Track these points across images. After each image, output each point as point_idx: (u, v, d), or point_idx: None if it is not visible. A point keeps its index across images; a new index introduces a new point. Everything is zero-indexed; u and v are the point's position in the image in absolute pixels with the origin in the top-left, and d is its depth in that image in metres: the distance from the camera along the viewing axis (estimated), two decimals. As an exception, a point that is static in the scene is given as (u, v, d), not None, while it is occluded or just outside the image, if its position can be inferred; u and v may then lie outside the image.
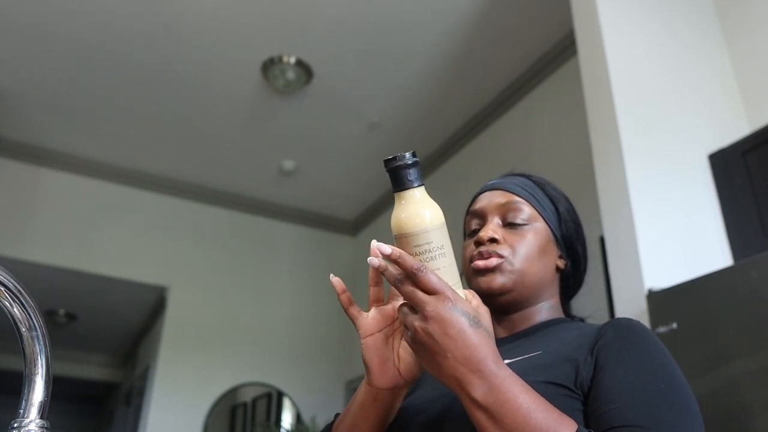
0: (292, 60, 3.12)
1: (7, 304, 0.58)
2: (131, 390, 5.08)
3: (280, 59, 3.12)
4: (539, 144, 3.10)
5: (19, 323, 0.58)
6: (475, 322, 0.58)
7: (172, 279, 4.09)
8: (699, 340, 1.44)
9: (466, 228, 0.91)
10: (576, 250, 0.90)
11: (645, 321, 1.59)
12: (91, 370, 6.38)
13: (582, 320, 0.91)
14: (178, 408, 3.83)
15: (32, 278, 3.77)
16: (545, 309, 0.87)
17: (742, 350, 1.36)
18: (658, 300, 1.56)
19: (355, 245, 4.84)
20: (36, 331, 0.58)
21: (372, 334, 0.73)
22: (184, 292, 4.09)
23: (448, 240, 0.63)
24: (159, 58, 3.14)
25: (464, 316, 0.58)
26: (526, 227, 0.85)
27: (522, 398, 0.57)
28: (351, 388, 4.20)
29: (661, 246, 1.71)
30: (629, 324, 0.73)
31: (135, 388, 4.83)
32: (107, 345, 5.93)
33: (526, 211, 0.86)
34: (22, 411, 0.56)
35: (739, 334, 1.37)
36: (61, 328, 5.01)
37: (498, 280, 0.81)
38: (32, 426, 0.55)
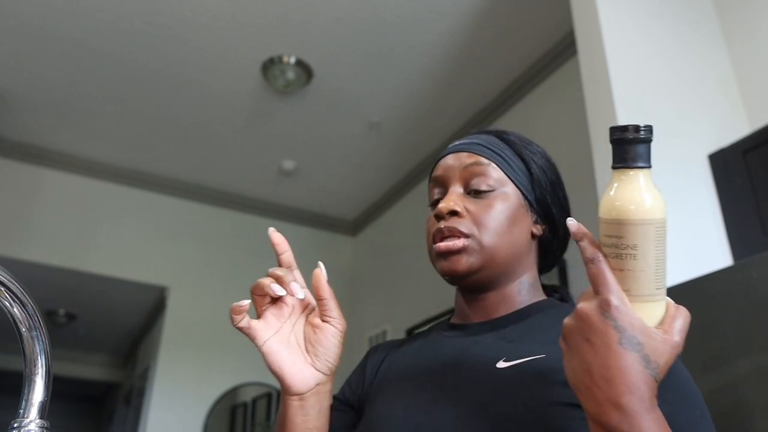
0: (292, 60, 3.12)
1: (7, 304, 0.58)
2: (131, 390, 5.08)
3: (280, 59, 3.12)
4: (539, 143, 3.09)
5: (19, 323, 0.58)
6: (632, 343, 0.47)
7: (172, 279, 4.09)
8: (699, 340, 1.44)
9: (429, 198, 0.81)
10: (552, 214, 0.79)
11: (645, 321, 1.58)
12: (91, 370, 6.38)
13: (563, 298, 0.82)
14: (178, 408, 3.83)
15: (32, 278, 3.77)
16: (524, 287, 0.76)
17: (742, 350, 1.36)
18: (658, 300, 1.55)
19: (355, 245, 4.84)
20: (36, 331, 0.58)
21: (268, 338, 0.69)
22: (184, 292, 4.09)
23: (654, 245, 0.51)
24: (159, 58, 3.14)
25: (618, 330, 0.48)
26: (493, 194, 0.75)
27: None
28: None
29: (661, 246, 1.71)
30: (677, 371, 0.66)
31: (135, 388, 4.83)
32: (107, 345, 5.93)
33: (492, 175, 0.76)
34: (22, 411, 0.56)
35: (739, 334, 1.37)
36: (61, 328, 5.01)
37: (463, 263, 0.72)
38: (32, 426, 0.55)
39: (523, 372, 0.64)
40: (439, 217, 0.74)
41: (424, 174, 3.96)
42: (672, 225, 1.91)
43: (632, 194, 0.51)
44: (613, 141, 0.52)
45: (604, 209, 0.53)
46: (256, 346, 0.68)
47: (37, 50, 3.09)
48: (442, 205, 0.74)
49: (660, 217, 0.51)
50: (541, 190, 0.78)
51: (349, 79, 3.29)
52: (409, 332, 3.59)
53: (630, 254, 0.50)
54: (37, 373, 0.57)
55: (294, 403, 0.68)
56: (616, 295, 0.49)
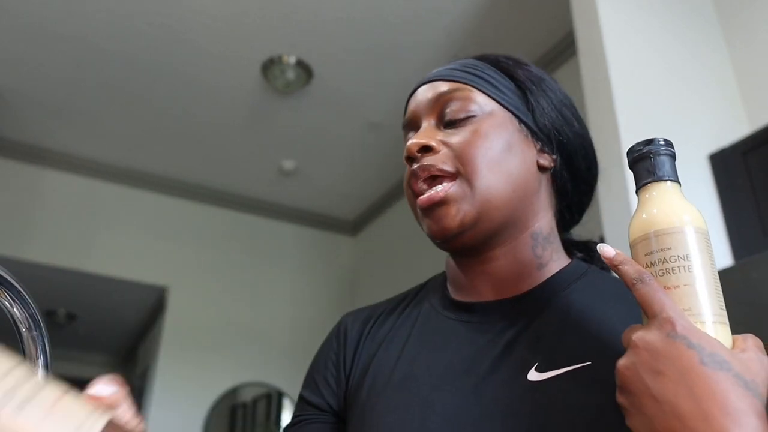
0: (292, 60, 3.12)
1: (7, 304, 0.57)
2: (131, 390, 5.07)
3: (280, 59, 3.12)
4: (539, 144, 3.10)
5: (19, 323, 0.58)
6: (717, 361, 0.36)
7: (172, 279, 4.09)
8: (699, 340, 1.44)
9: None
10: (565, 140, 0.62)
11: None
12: (91, 370, 6.37)
13: (588, 258, 0.65)
14: (178, 408, 3.82)
15: (32, 278, 3.76)
16: (539, 242, 0.58)
17: (742, 350, 1.35)
18: (658, 300, 1.55)
19: (355, 245, 4.84)
20: (36, 331, 0.58)
21: None
22: (184, 292, 4.09)
23: (708, 256, 0.45)
24: (159, 58, 3.14)
25: (694, 348, 0.37)
26: (475, 119, 0.58)
27: None
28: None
29: (661, 246, 1.71)
30: None
31: (135, 388, 4.83)
32: (107, 345, 5.93)
33: (470, 98, 0.59)
34: (22, 411, 0.56)
35: (739, 334, 1.37)
36: (61, 328, 5.01)
37: (452, 215, 0.55)
38: (32, 426, 0.55)
39: (562, 388, 0.50)
40: (411, 159, 0.60)
41: (424, 174, 3.96)
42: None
43: (674, 202, 0.46)
44: (638, 158, 0.48)
45: (640, 227, 0.46)
46: None
47: (37, 50, 3.09)
48: (410, 143, 0.60)
49: (706, 228, 0.46)
50: (542, 110, 0.62)
51: (349, 80, 3.29)
52: (409, 332, 3.59)
53: (683, 266, 0.43)
54: (37, 373, 0.57)
55: None
56: (677, 313, 0.39)
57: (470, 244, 0.57)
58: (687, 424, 0.34)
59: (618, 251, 0.44)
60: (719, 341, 0.40)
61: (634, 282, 0.42)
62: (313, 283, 4.41)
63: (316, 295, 4.35)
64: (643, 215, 0.46)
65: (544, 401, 0.49)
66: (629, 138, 1.84)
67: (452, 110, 0.59)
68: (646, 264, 0.44)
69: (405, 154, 0.60)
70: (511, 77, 0.64)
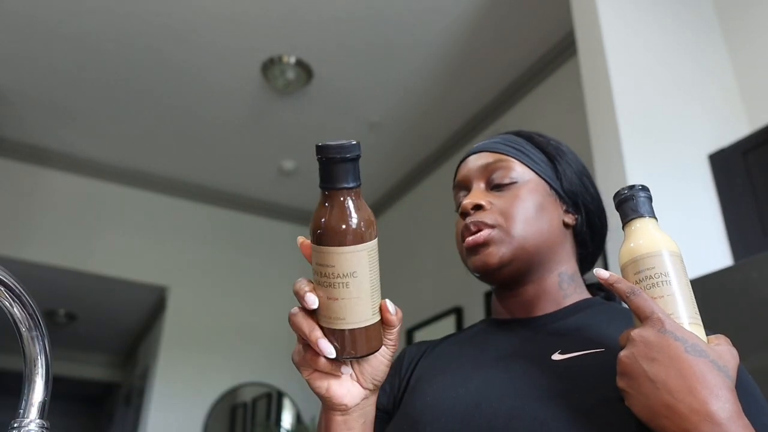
0: (292, 60, 3.13)
1: (7, 304, 0.58)
2: (131, 390, 5.08)
3: (280, 59, 3.12)
4: (539, 144, 3.10)
5: (19, 323, 0.58)
6: (697, 350, 0.48)
7: (172, 279, 4.09)
8: (699, 340, 1.44)
9: (455, 204, 0.80)
10: (585, 202, 0.78)
11: (645, 321, 1.58)
12: (91, 370, 6.37)
13: (609, 297, 0.80)
14: (178, 408, 3.83)
15: (32, 278, 3.77)
16: (564, 280, 0.74)
17: (741, 350, 1.35)
18: (658, 300, 1.55)
19: (355, 245, 4.84)
20: (36, 331, 0.58)
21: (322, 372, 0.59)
22: (184, 292, 4.09)
23: (683, 273, 0.57)
24: (159, 58, 3.14)
25: (680, 340, 0.48)
26: (516, 185, 0.73)
27: None
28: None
29: (661, 246, 1.71)
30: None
31: (135, 388, 4.83)
32: (107, 345, 5.93)
33: (513, 168, 0.75)
34: (22, 411, 0.56)
35: (739, 334, 1.37)
36: (61, 328, 5.01)
37: (493, 254, 0.70)
38: (32, 426, 0.55)
39: (580, 364, 0.63)
40: (465, 214, 0.73)
41: (425, 174, 3.97)
42: (672, 225, 1.91)
43: (654, 233, 0.59)
44: (623, 200, 0.61)
45: (629, 253, 0.59)
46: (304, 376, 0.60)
47: (37, 50, 3.09)
48: (466, 202, 0.73)
49: (679, 251, 0.59)
50: (568, 179, 0.77)
51: (349, 79, 3.29)
52: (410, 332, 3.59)
53: (664, 281, 0.55)
54: (37, 373, 0.57)
55: (337, 419, 0.62)
56: (665, 314, 0.51)
57: (507, 279, 0.72)
58: (677, 397, 0.46)
59: (611, 273, 0.56)
60: (699, 338, 0.51)
61: (628, 295, 0.53)
62: (313, 283, 4.40)
63: (316, 295, 4.34)
64: (631, 244, 0.59)
65: (565, 374, 0.62)
66: (629, 137, 1.84)
67: (498, 176, 0.74)
68: (636, 281, 0.57)
69: (460, 210, 0.74)
70: (543, 150, 0.79)
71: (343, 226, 0.52)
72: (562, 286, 0.74)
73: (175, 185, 4.25)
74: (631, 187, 0.61)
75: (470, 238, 0.71)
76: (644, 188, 0.61)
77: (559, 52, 3.01)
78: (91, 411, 7.12)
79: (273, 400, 4.16)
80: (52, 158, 3.91)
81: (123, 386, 6.00)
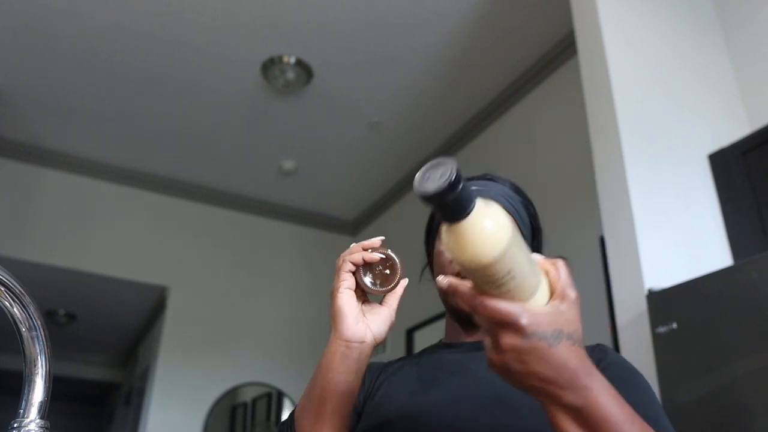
0: (292, 60, 3.12)
1: (7, 304, 0.58)
2: (131, 390, 5.08)
3: (280, 59, 3.12)
4: (539, 144, 3.10)
5: (19, 323, 0.58)
6: (556, 336, 0.52)
7: (172, 279, 4.09)
8: (699, 340, 1.44)
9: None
10: None
11: (645, 321, 1.59)
12: (91, 370, 6.38)
13: None
14: (178, 408, 3.83)
15: (32, 278, 3.77)
16: None
17: (742, 350, 1.36)
18: (658, 300, 1.56)
19: (355, 245, 4.84)
20: (36, 331, 0.58)
21: (351, 288, 0.76)
22: (184, 292, 4.09)
23: (521, 254, 0.52)
24: (159, 58, 3.14)
25: (542, 339, 0.51)
26: None
27: (617, 414, 0.53)
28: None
29: (661, 246, 1.71)
30: (613, 351, 0.79)
31: (135, 388, 4.83)
32: (107, 345, 5.93)
33: None
34: (22, 411, 0.56)
35: (739, 334, 1.37)
36: (61, 328, 5.01)
37: None
38: (32, 426, 0.55)
39: None
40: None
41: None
42: (672, 225, 1.90)
43: (482, 237, 0.50)
44: (440, 197, 0.48)
45: (471, 261, 0.50)
46: (335, 288, 0.76)
47: (37, 50, 3.09)
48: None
49: (510, 234, 0.50)
50: (538, 242, 0.90)
51: (349, 79, 3.29)
52: (410, 332, 3.59)
53: (509, 278, 0.51)
54: (37, 373, 0.57)
55: (340, 348, 0.75)
56: (518, 313, 0.51)
57: (473, 318, 0.80)
58: (549, 382, 0.52)
59: (450, 281, 0.55)
60: (550, 312, 0.52)
61: (474, 307, 0.52)
62: (313, 283, 4.41)
63: (316, 295, 4.35)
64: (466, 249, 0.51)
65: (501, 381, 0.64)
66: (629, 137, 1.84)
67: None
68: (480, 284, 0.52)
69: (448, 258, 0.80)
70: (531, 221, 0.89)
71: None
72: None
73: (175, 185, 4.25)
74: (442, 176, 0.47)
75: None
76: (455, 182, 0.47)
77: (559, 52, 3.01)
78: (91, 411, 7.12)
79: (273, 400, 4.16)
80: (52, 158, 3.91)
81: (123, 386, 6.00)
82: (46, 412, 0.57)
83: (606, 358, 0.76)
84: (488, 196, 0.87)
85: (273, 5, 2.81)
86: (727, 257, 1.83)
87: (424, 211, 0.85)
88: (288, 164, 4.03)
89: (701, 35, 2.26)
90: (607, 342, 2.18)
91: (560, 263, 0.57)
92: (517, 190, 0.91)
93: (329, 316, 0.79)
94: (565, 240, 2.70)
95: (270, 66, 3.15)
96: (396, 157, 3.94)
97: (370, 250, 0.77)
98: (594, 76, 2.00)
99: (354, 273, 0.77)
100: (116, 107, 3.53)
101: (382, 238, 0.80)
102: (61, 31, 2.96)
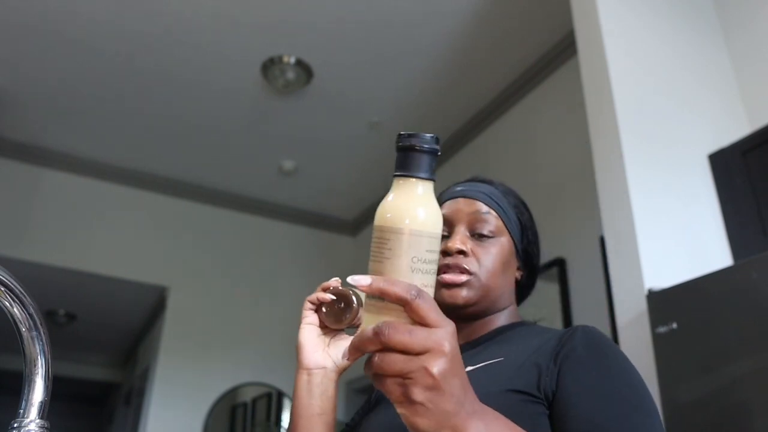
0: (292, 60, 3.12)
1: (7, 304, 0.58)
2: (131, 390, 5.08)
3: (280, 59, 3.12)
4: (539, 144, 3.10)
5: (19, 323, 0.58)
6: (456, 402, 0.46)
7: (172, 279, 4.09)
8: (699, 340, 1.44)
9: None
10: (534, 263, 0.93)
11: (645, 321, 1.59)
12: (91, 370, 6.38)
13: (535, 323, 0.92)
14: (178, 408, 3.83)
15: (32, 278, 3.77)
16: (503, 315, 0.89)
17: (742, 350, 1.36)
18: (658, 300, 1.56)
19: (355, 245, 4.84)
20: (36, 331, 0.58)
21: (313, 324, 0.83)
22: (184, 292, 4.09)
23: (409, 247, 0.51)
24: (159, 58, 3.14)
25: (456, 378, 0.46)
26: (493, 240, 0.87)
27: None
28: (351, 388, 4.20)
29: (661, 246, 1.71)
30: (590, 331, 0.73)
31: (135, 388, 4.83)
32: (107, 345, 5.93)
33: (493, 222, 0.88)
34: (22, 411, 0.56)
35: (739, 334, 1.37)
36: (61, 328, 5.01)
37: (463, 295, 0.83)
38: (32, 426, 0.55)
39: (481, 371, 0.76)
40: (447, 253, 0.85)
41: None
42: (672, 225, 1.90)
43: (405, 201, 0.50)
44: (398, 148, 0.51)
45: (380, 210, 0.51)
46: (301, 325, 0.83)
47: (37, 50, 3.09)
48: (452, 244, 0.85)
49: (418, 226, 0.49)
50: (529, 242, 0.92)
51: (349, 79, 3.29)
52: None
53: (384, 258, 0.50)
54: (37, 373, 0.57)
55: (303, 376, 0.80)
56: (444, 334, 0.46)
57: (466, 316, 0.86)
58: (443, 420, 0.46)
59: (373, 279, 0.50)
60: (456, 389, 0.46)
61: (408, 300, 0.47)
62: (313, 283, 4.36)
63: (316, 295, 4.34)
64: (408, 208, 0.51)
65: (471, 382, 0.56)
66: (629, 137, 1.84)
67: (481, 227, 0.87)
68: (413, 264, 0.49)
69: (444, 248, 0.84)
70: (518, 215, 0.91)
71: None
72: (500, 320, 0.88)
73: (175, 185, 4.25)
74: (410, 136, 0.51)
75: (448, 276, 0.83)
76: (432, 140, 0.50)
77: (559, 52, 3.01)
78: (91, 411, 7.12)
79: (273, 400, 4.16)
80: (52, 158, 3.91)
81: (123, 386, 6.00)
82: (46, 412, 0.57)
83: (570, 342, 0.71)
84: (469, 194, 0.90)
85: (273, 5, 2.81)
86: (727, 257, 1.83)
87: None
88: (288, 164, 4.03)
89: (701, 35, 2.26)
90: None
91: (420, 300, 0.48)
92: (507, 192, 0.93)
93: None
94: (565, 240, 2.70)
95: (270, 66, 3.15)
96: (396, 157, 3.93)
97: (331, 288, 0.85)
98: (594, 76, 2.00)
99: (316, 311, 0.83)
100: (116, 107, 3.53)
101: (338, 279, 0.85)
102: (62, 31, 2.96)
